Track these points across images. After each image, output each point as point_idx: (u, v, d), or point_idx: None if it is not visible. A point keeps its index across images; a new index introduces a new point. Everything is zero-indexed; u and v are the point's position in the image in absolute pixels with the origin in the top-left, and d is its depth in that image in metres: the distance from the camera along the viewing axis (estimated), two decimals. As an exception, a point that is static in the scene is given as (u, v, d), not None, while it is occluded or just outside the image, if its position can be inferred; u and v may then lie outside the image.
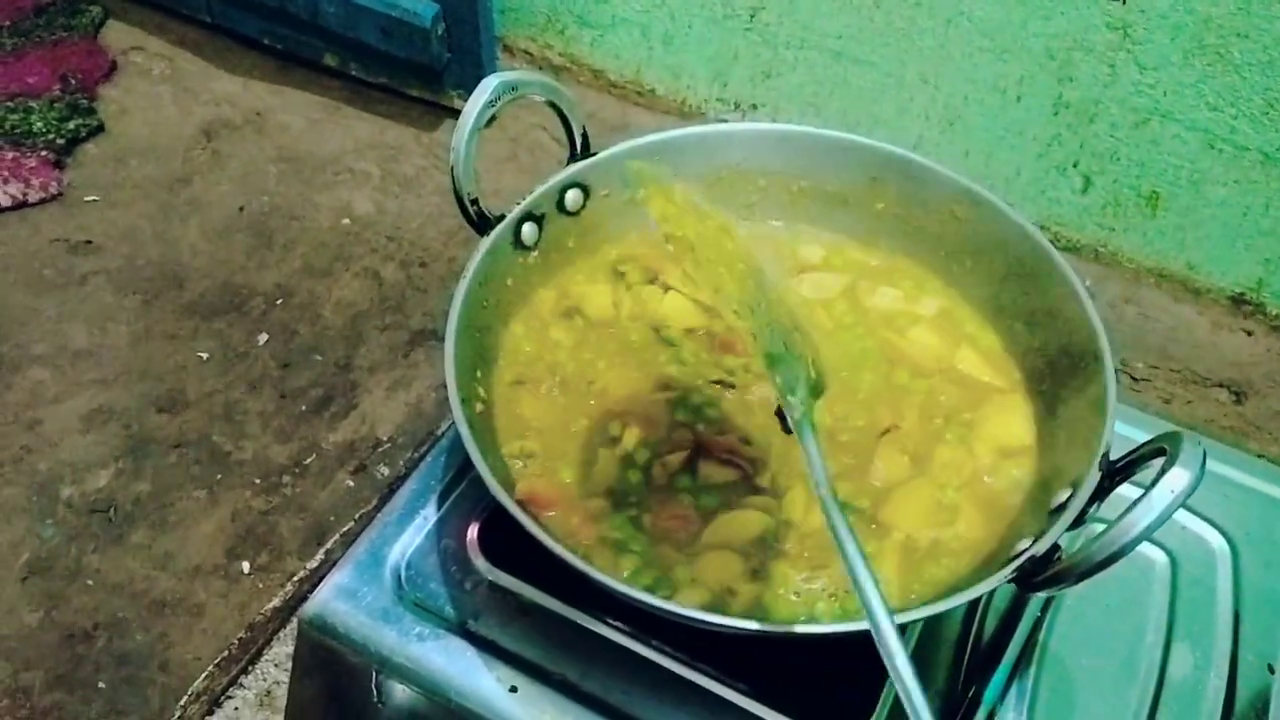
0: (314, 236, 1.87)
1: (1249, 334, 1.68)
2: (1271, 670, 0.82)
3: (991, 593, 0.74)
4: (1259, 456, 0.97)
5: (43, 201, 1.88)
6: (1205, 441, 0.63)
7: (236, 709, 1.26)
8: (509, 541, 0.80)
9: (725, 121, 1.89)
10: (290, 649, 1.28)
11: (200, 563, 1.43)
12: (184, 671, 1.32)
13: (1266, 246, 1.60)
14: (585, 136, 0.88)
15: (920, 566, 0.75)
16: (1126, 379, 1.66)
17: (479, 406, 0.78)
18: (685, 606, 0.66)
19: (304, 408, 1.62)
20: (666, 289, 0.91)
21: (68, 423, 1.57)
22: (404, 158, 2.01)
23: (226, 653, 1.29)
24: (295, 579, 1.37)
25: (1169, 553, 0.89)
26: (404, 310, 1.77)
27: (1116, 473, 0.69)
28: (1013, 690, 0.79)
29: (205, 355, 1.67)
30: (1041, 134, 1.66)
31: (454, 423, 0.72)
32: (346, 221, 1.90)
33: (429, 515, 0.86)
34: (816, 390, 0.68)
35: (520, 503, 0.69)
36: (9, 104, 2.01)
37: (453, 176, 0.80)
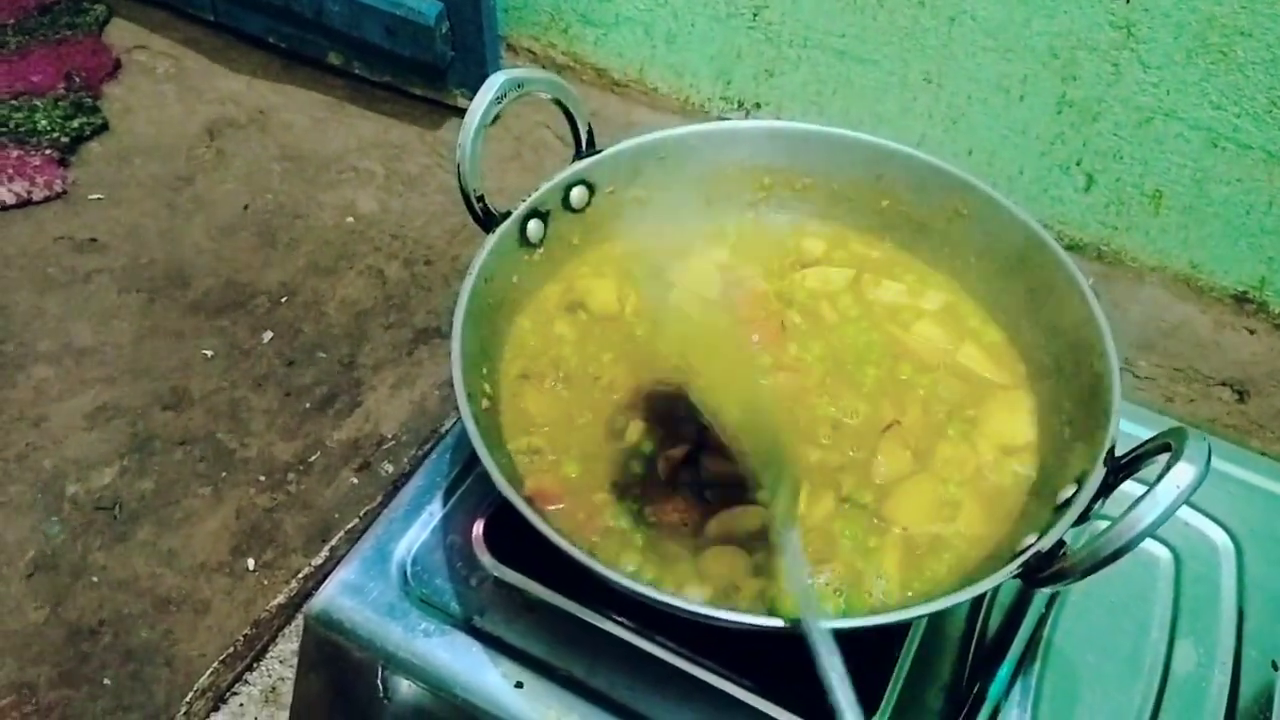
0: (318, 235, 1.87)
1: (1252, 333, 1.67)
2: (1275, 667, 0.82)
3: (996, 589, 0.74)
4: (1262, 455, 0.97)
5: (47, 200, 1.88)
6: (1209, 438, 0.63)
7: (242, 705, 1.26)
8: (514, 537, 0.80)
9: (729, 120, 1.89)
10: (295, 645, 1.29)
11: (205, 560, 1.44)
12: (189, 668, 1.33)
13: (1270, 245, 1.60)
14: (590, 134, 0.89)
15: (921, 562, 0.75)
16: (1129, 378, 1.66)
17: (485, 403, 0.78)
18: (691, 601, 0.66)
19: (308, 405, 1.62)
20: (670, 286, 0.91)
21: (72, 420, 1.57)
22: (408, 156, 2.01)
23: (232, 649, 1.30)
24: (300, 576, 1.38)
25: (1173, 550, 0.89)
26: (408, 308, 1.77)
27: (1121, 469, 0.69)
28: (1017, 686, 0.79)
29: (210, 353, 1.68)
30: (1045, 133, 1.66)
31: (459, 419, 0.72)
32: (350, 220, 1.90)
33: (434, 511, 0.86)
34: (795, 491, 0.72)
35: (528, 499, 0.69)
36: (14, 102, 2.02)
37: (459, 173, 0.80)
